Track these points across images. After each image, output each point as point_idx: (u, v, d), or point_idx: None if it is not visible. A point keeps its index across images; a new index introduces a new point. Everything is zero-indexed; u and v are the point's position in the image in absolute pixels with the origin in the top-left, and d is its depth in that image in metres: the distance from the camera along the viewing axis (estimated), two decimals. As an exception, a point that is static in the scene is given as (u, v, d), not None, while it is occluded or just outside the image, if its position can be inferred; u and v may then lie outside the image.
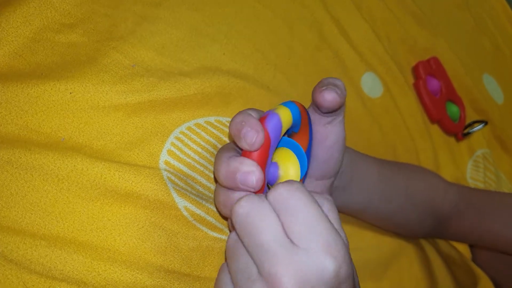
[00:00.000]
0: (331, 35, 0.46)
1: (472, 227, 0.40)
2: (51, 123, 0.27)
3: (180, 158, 0.30)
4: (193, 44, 0.36)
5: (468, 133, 0.54)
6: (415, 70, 0.54)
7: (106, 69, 0.30)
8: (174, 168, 0.30)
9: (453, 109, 0.55)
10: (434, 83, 0.55)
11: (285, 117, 0.26)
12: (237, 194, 0.25)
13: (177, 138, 0.31)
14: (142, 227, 0.27)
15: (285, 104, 0.27)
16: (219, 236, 0.29)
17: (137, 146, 0.29)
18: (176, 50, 0.34)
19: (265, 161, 0.25)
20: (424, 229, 0.41)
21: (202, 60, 0.35)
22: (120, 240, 0.26)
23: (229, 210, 0.25)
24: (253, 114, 0.26)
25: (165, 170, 0.29)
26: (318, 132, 0.30)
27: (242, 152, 0.25)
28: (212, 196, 0.30)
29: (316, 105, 0.28)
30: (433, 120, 0.52)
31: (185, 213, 0.28)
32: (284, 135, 0.29)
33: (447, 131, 0.53)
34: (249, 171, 0.24)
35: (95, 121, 0.28)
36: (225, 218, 0.30)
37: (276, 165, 0.28)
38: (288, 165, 0.28)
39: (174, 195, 0.28)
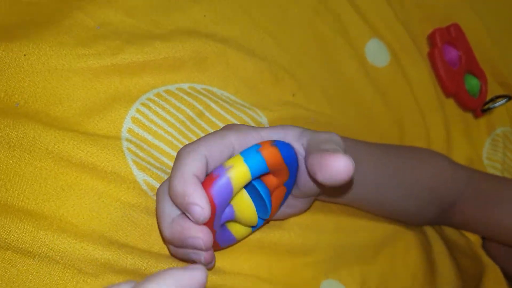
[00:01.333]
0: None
1: (477, 217, 0.36)
2: (5, 87, 0.26)
3: (146, 126, 0.28)
4: (169, 5, 0.33)
5: (489, 109, 0.49)
6: (430, 37, 0.49)
7: (66, 31, 0.28)
8: (137, 137, 0.28)
9: (472, 82, 0.50)
10: (452, 53, 0.49)
11: (239, 178, 0.23)
12: (184, 251, 0.24)
13: (144, 105, 0.29)
14: (99, 198, 0.26)
15: (247, 158, 0.23)
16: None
17: (99, 113, 0.27)
18: (149, 11, 0.32)
19: (212, 221, 0.23)
20: (425, 219, 0.38)
21: (177, 22, 0.32)
22: (73, 210, 0.25)
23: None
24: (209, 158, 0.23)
25: (127, 140, 0.27)
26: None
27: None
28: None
29: (316, 178, 0.23)
30: (447, 93, 0.48)
31: (144, 187, 0.26)
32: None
33: (464, 106, 0.48)
34: (195, 237, 0.22)
35: (53, 86, 0.27)
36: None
37: (231, 207, 0.25)
38: (242, 209, 0.25)
39: (133, 167, 0.26)
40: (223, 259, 0.28)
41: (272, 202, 0.26)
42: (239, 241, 0.28)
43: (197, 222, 0.22)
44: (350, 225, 0.35)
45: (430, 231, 0.40)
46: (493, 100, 0.50)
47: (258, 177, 0.25)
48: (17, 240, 0.23)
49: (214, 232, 0.24)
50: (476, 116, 0.49)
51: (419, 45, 0.48)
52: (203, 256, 0.23)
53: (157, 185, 0.27)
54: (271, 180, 0.25)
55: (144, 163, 0.27)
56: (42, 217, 0.24)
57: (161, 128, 0.28)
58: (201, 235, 0.22)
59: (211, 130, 0.30)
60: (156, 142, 0.28)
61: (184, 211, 0.22)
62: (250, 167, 0.23)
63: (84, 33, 0.28)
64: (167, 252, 0.26)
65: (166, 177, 0.27)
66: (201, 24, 0.33)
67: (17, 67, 0.26)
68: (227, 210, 0.25)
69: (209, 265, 0.25)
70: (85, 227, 0.25)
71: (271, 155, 0.23)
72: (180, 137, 0.29)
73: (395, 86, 0.43)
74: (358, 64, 0.41)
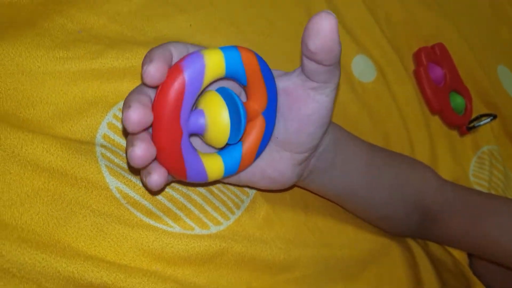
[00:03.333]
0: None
1: (465, 230, 0.35)
2: None
3: (122, 132, 0.27)
4: (154, 13, 0.32)
5: (474, 127, 0.49)
6: (416, 56, 0.49)
7: (44, 33, 0.27)
8: (113, 143, 0.27)
9: (457, 100, 0.50)
10: (437, 71, 0.50)
11: (214, 61, 0.22)
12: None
13: (121, 110, 0.28)
14: (67, 206, 0.24)
15: (223, 48, 0.23)
16: (155, 224, 0.26)
17: (73, 117, 0.26)
18: (133, 18, 0.31)
19: (178, 109, 0.22)
20: (410, 226, 0.37)
21: (162, 30, 0.32)
22: (38, 218, 0.23)
23: None
24: (174, 51, 0.23)
25: (101, 145, 0.26)
26: (296, 95, 0.25)
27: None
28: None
29: (306, 53, 0.23)
30: (433, 110, 0.48)
31: (117, 195, 0.25)
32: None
33: (449, 123, 0.48)
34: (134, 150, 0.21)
35: (26, 88, 0.26)
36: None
37: (201, 112, 0.24)
38: (216, 111, 0.23)
39: (106, 173, 0.25)
40: (198, 274, 0.26)
41: (248, 131, 0.25)
42: (208, 181, 0.25)
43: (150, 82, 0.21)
44: (335, 240, 0.34)
45: (415, 247, 0.39)
46: (478, 118, 0.50)
47: (233, 79, 0.24)
48: None
49: (181, 133, 0.22)
50: (462, 133, 0.49)
51: (405, 62, 0.48)
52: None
53: (131, 193, 0.25)
54: (249, 105, 0.24)
55: (118, 169, 0.25)
56: (1, 226, 0.22)
57: None
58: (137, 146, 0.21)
59: None
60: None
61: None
62: (225, 54, 0.22)
63: (63, 36, 0.27)
64: (138, 265, 0.25)
65: (140, 184, 0.26)
66: (187, 33, 0.33)
67: None
68: (198, 117, 0.23)
69: (151, 179, 0.22)
70: (49, 237, 0.23)
71: (247, 54, 0.23)
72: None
73: (380, 101, 0.43)
74: (345, 78, 0.41)
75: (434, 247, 0.41)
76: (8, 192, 0.23)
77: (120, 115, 0.27)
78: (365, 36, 0.45)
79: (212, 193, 0.28)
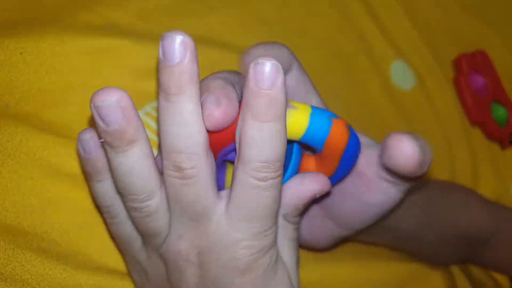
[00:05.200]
0: (356, 14, 0.40)
1: None
2: None
3: (149, 137, 0.25)
4: (184, 11, 0.31)
5: (517, 141, 0.46)
6: (456, 63, 0.47)
7: (69, 28, 0.26)
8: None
9: (499, 111, 0.47)
10: (478, 80, 0.47)
11: (295, 119, 0.19)
12: None
13: (148, 115, 0.26)
14: (88, 215, 0.23)
15: (315, 109, 0.19)
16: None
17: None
18: (162, 15, 0.30)
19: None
20: (457, 258, 0.34)
21: (192, 29, 0.30)
22: (59, 227, 0.22)
23: None
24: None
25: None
26: (366, 180, 0.22)
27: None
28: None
29: (386, 163, 0.20)
30: (473, 121, 0.45)
31: (142, 204, 0.23)
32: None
33: (490, 135, 0.45)
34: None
35: (50, 87, 0.24)
36: None
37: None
38: None
39: (130, 181, 0.23)
40: None
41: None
42: None
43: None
44: (369, 257, 0.31)
45: (455, 270, 0.36)
46: (521, 131, 0.47)
47: (306, 143, 0.20)
48: None
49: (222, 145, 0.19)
50: (503, 147, 0.46)
51: (445, 70, 0.45)
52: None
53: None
54: (308, 163, 0.21)
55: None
56: (21, 233, 0.21)
57: None
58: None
59: None
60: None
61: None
62: (311, 119, 0.19)
63: (88, 31, 0.26)
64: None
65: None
66: (217, 33, 0.31)
67: (11, 65, 0.24)
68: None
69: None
70: (71, 248, 0.22)
71: (339, 130, 0.19)
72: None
73: (419, 110, 0.41)
74: (383, 84, 0.39)
75: (474, 269, 0.38)
76: (29, 198, 0.22)
77: (146, 120, 0.26)
78: (403, 41, 0.43)
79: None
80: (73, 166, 0.23)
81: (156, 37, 0.28)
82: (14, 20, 0.25)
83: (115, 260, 0.23)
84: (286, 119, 0.18)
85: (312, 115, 0.19)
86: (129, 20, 0.28)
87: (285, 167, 0.21)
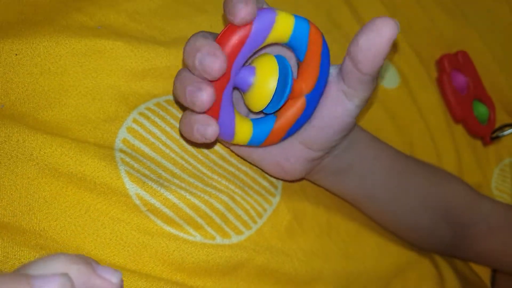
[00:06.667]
0: (341, 16, 0.41)
1: (505, 249, 0.34)
2: None
3: (143, 136, 0.26)
4: (174, 12, 0.31)
5: (497, 137, 0.48)
6: (439, 63, 0.48)
7: (63, 30, 0.26)
8: (132, 148, 0.25)
9: (480, 109, 0.48)
10: (460, 79, 0.48)
11: (284, 23, 0.22)
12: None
13: (142, 115, 0.27)
14: (85, 213, 0.23)
15: (296, 15, 0.22)
16: (176, 232, 0.24)
17: (92, 120, 0.25)
18: (153, 17, 0.30)
19: (235, 55, 0.21)
20: (439, 240, 0.35)
21: (182, 31, 0.31)
22: (56, 225, 0.22)
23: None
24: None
25: (121, 150, 0.25)
26: (328, 92, 0.25)
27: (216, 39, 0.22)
28: (176, 183, 0.26)
29: (351, 48, 0.23)
30: (457, 119, 0.46)
31: (137, 202, 0.24)
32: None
33: (473, 132, 0.47)
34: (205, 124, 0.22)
35: (45, 89, 0.25)
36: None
37: (252, 70, 0.23)
38: (267, 75, 0.23)
39: (125, 179, 0.24)
40: (219, 286, 0.25)
41: (286, 107, 0.25)
42: (230, 143, 0.25)
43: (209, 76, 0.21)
44: (359, 251, 0.32)
45: (442, 263, 0.37)
46: (501, 128, 0.49)
47: (292, 47, 0.24)
48: None
49: (228, 79, 0.22)
50: (485, 143, 0.48)
51: (428, 69, 0.47)
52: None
53: (151, 200, 0.24)
54: (297, 83, 0.24)
55: (138, 175, 0.24)
56: (19, 231, 0.22)
57: (158, 140, 0.26)
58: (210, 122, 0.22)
59: None
60: (152, 154, 0.26)
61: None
62: (296, 21, 0.22)
63: (82, 32, 0.26)
64: (158, 274, 0.24)
65: (161, 191, 0.25)
66: (207, 34, 0.32)
67: (6, 66, 0.24)
68: (249, 73, 0.23)
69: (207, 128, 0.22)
70: (68, 244, 0.22)
71: (316, 31, 0.23)
72: (178, 150, 0.27)
73: (404, 108, 0.42)
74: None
75: (459, 264, 0.39)
76: (26, 197, 0.22)
77: (140, 120, 0.26)
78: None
79: (234, 201, 0.27)
80: (69, 165, 0.23)
81: (148, 39, 0.29)
82: (9, 22, 0.26)
83: (112, 257, 0.23)
84: (275, 22, 0.21)
85: (296, 16, 0.22)
86: (122, 21, 0.28)
87: (285, 85, 0.23)
